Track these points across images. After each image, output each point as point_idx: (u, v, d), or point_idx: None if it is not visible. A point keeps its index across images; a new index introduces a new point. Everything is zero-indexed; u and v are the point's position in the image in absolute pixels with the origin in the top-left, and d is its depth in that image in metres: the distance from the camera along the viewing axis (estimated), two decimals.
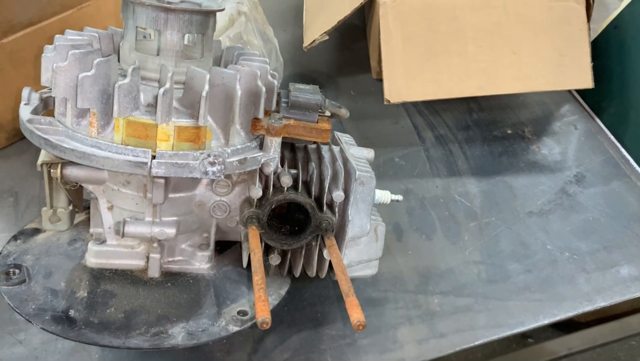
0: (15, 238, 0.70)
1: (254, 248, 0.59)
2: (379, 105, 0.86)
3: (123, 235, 0.62)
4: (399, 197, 0.72)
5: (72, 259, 0.66)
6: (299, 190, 0.65)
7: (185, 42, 0.62)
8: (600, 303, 0.77)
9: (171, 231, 0.62)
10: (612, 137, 0.94)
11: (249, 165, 0.61)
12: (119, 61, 0.62)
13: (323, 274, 0.69)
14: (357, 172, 0.64)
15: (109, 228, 0.64)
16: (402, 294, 0.77)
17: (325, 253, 0.65)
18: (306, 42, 0.91)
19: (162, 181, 0.60)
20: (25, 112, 0.60)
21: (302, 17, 1.01)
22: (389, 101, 0.84)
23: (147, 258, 0.64)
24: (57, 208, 0.69)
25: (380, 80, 0.85)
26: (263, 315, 0.50)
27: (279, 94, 0.67)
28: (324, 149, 0.69)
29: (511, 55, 0.85)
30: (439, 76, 0.84)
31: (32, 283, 0.63)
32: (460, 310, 0.76)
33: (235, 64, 0.64)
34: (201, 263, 0.67)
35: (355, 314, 0.52)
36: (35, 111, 0.61)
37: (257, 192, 0.63)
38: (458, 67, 0.84)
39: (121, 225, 0.61)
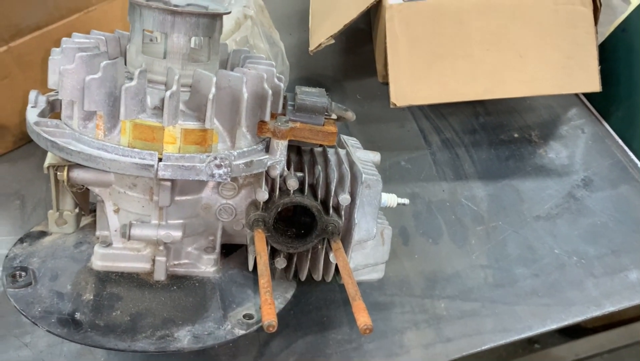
0: (21, 240, 0.70)
1: (260, 251, 0.59)
2: (385, 109, 0.85)
3: (129, 238, 0.61)
4: (406, 200, 0.72)
5: (78, 262, 0.66)
6: (305, 193, 0.65)
7: (192, 45, 0.62)
8: (609, 307, 0.76)
9: (177, 234, 0.62)
10: (619, 141, 0.94)
11: (255, 168, 0.61)
12: (125, 64, 0.62)
13: (329, 278, 0.69)
14: (364, 175, 0.64)
15: (115, 230, 0.64)
16: (409, 299, 0.77)
17: (331, 256, 0.65)
18: (312, 46, 0.91)
19: (169, 183, 0.60)
20: (32, 115, 0.60)
21: (308, 21, 1.01)
22: (395, 105, 0.83)
23: (153, 261, 0.64)
24: (64, 211, 0.69)
25: (386, 84, 0.85)
26: (269, 318, 0.49)
27: (285, 97, 0.67)
28: (330, 152, 0.69)
29: (518, 59, 0.84)
30: (445, 79, 0.84)
31: (38, 285, 0.63)
32: (467, 315, 0.75)
33: (242, 67, 0.64)
34: (207, 266, 0.67)
35: (362, 318, 0.51)
36: (42, 114, 0.62)
37: (263, 195, 0.63)
38: (464, 71, 0.84)
39: (127, 228, 0.61)
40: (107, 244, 0.65)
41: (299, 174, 0.66)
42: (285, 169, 0.65)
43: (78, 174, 0.62)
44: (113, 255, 0.64)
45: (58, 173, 0.62)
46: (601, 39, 0.92)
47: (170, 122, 0.56)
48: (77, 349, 0.68)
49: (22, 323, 0.70)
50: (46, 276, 0.64)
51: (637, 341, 1.21)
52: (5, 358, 0.67)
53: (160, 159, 0.56)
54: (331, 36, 0.88)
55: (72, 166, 0.62)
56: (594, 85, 0.84)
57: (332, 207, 0.65)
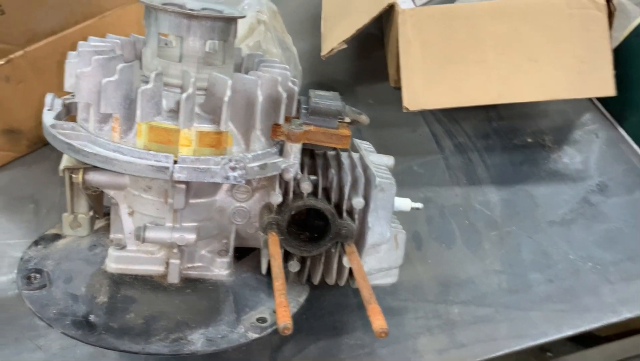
0: (36, 243, 0.70)
1: (274, 254, 0.59)
2: (397, 113, 0.85)
3: (143, 240, 0.62)
4: (419, 205, 0.71)
5: (92, 265, 0.66)
6: (319, 196, 0.65)
7: (207, 49, 0.62)
8: (626, 314, 0.75)
9: (191, 236, 0.62)
10: (634, 145, 0.93)
11: (270, 171, 0.61)
12: (140, 67, 0.63)
13: (342, 282, 0.69)
14: (378, 179, 0.64)
15: (130, 233, 0.64)
16: (422, 304, 0.76)
17: (344, 260, 0.65)
18: (324, 51, 0.91)
19: (184, 186, 0.60)
20: (48, 118, 0.60)
21: (320, 27, 1.01)
22: (407, 109, 0.83)
23: (167, 263, 0.64)
24: (78, 214, 0.69)
25: (398, 88, 0.85)
26: (285, 321, 0.49)
27: (298, 101, 0.67)
28: (344, 156, 0.69)
29: (531, 63, 0.84)
30: (458, 83, 0.84)
31: (52, 287, 0.63)
32: (481, 320, 0.75)
33: (256, 70, 0.64)
34: (220, 270, 0.67)
35: (378, 321, 0.51)
36: (58, 117, 0.62)
37: (277, 198, 0.63)
38: (477, 75, 0.84)
39: (142, 230, 0.62)
40: (121, 246, 0.65)
41: (313, 177, 0.66)
42: (299, 172, 0.65)
43: (93, 177, 0.62)
44: (127, 258, 0.65)
45: (73, 176, 0.63)
46: (615, 43, 0.91)
47: (186, 125, 0.56)
48: (90, 352, 0.68)
49: (35, 326, 0.70)
50: (61, 278, 0.64)
51: None
52: (19, 360, 0.67)
53: (175, 162, 0.56)
54: (343, 41, 0.88)
55: (88, 168, 0.62)
56: (609, 89, 0.84)
57: (346, 211, 0.65)
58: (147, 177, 0.60)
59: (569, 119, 0.97)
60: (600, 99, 0.98)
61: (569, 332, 0.74)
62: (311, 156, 0.71)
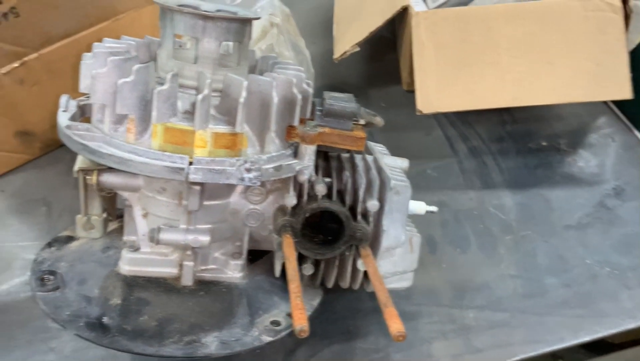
0: (49, 245, 0.70)
1: (288, 256, 0.59)
2: (410, 116, 0.85)
3: (158, 242, 0.61)
4: (434, 208, 0.71)
5: (106, 267, 0.66)
6: (333, 199, 0.64)
7: (221, 51, 0.62)
8: None
9: (205, 238, 0.62)
10: None
11: (284, 172, 0.60)
12: (155, 69, 0.63)
13: (357, 286, 0.68)
14: (392, 181, 0.63)
15: (143, 235, 0.64)
16: (437, 308, 0.75)
17: (359, 263, 0.64)
18: (337, 54, 0.91)
19: (198, 187, 0.60)
20: (63, 119, 0.60)
21: (331, 31, 1.01)
22: (421, 112, 0.83)
23: (181, 266, 0.64)
24: (91, 216, 0.69)
25: (411, 92, 0.85)
26: (301, 323, 0.49)
27: (313, 103, 0.66)
28: (357, 158, 0.69)
29: (546, 66, 0.83)
30: (473, 86, 0.83)
31: (66, 289, 0.62)
32: (496, 325, 0.74)
33: (271, 72, 0.64)
34: (234, 272, 0.67)
35: (395, 324, 0.50)
36: (72, 118, 0.62)
37: (291, 200, 0.62)
38: (492, 78, 0.83)
39: (156, 232, 0.61)
40: (135, 248, 0.64)
41: (327, 179, 0.66)
42: (313, 174, 0.64)
43: (107, 178, 0.62)
44: (141, 260, 0.64)
45: (87, 177, 0.62)
46: (631, 46, 0.90)
47: (201, 126, 0.56)
48: (102, 354, 0.68)
49: (47, 328, 0.70)
50: (74, 280, 0.64)
51: None
52: None
53: (190, 163, 0.56)
54: (356, 44, 0.88)
55: (102, 170, 0.62)
56: (625, 92, 0.83)
57: (360, 213, 0.64)
58: (162, 178, 0.60)
59: (584, 122, 0.96)
60: (615, 102, 0.97)
61: (586, 338, 0.73)
62: (325, 158, 0.70)
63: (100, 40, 0.63)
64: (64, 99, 0.63)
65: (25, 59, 0.81)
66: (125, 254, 0.64)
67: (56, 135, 0.89)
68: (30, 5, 0.77)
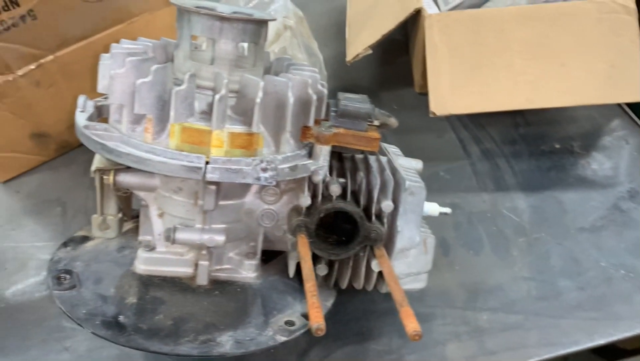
0: (65, 244, 0.71)
1: (304, 256, 0.59)
2: (422, 119, 0.85)
3: (173, 242, 0.62)
4: (448, 210, 0.71)
5: (121, 266, 0.66)
6: (348, 199, 0.64)
7: (237, 52, 0.63)
8: None
9: (220, 238, 0.62)
10: None
11: (300, 172, 0.60)
12: (172, 70, 0.63)
13: (370, 287, 0.68)
14: (407, 182, 0.63)
15: (159, 234, 0.64)
16: (450, 310, 0.75)
17: (373, 264, 0.64)
18: (349, 56, 0.91)
19: (214, 187, 0.60)
20: (81, 119, 0.61)
21: (344, 33, 1.01)
22: (434, 114, 0.83)
23: (196, 265, 0.64)
24: (107, 216, 0.70)
25: (423, 94, 0.85)
26: (317, 321, 0.49)
27: (327, 104, 0.67)
28: (372, 159, 0.69)
29: (559, 68, 0.83)
30: (486, 88, 0.83)
31: (82, 288, 0.63)
32: (510, 327, 0.74)
33: (286, 73, 0.64)
34: (248, 272, 0.67)
35: (411, 324, 0.50)
36: (89, 118, 0.62)
37: (306, 200, 0.63)
38: (505, 80, 0.83)
39: (172, 232, 0.62)
40: (151, 248, 0.65)
41: (341, 180, 0.66)
42: (328, 175, 0.65)
43: (124, 178, 0.63)
44: (156, 259, 0.65)
45: (104, 177, 0.63)
46: None
47: (218, 126, 0.56)
48: (117, 354, 0.69)
49: (62, 328, 0.70)
50: (90, 279, 0.64)
51: None
52: None
53: (207, 163, 0.56)
54: (369, 46, 0.88)
55: (119, 169, 0.62)
56: (639, 94, 0.83)
57: (375, 214, 0.64)
58: (178, 178, 0.60)
59: (598, 124, 0.96)
60: (629, 105, 0.97)
61: (601, 341, 0.73)
62: (339, 159, 0.70)
63: (115, 43, 0.64)
64: (81, 99, 0.64)
65: (42, 61, 0.82)
66: (141, 253, 0.65)
67: (71, 137, 0.91)
68: (48, 7, 0.78)
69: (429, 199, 0.70)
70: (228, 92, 0.57)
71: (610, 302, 0.76)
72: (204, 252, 0.64)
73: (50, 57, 0.83)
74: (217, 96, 0.55)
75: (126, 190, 0.66)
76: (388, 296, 0.71)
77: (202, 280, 0.64)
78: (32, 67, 0.82)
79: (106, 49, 0.61)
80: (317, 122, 0.64)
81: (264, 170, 0.56)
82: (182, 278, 0.65)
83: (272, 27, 0.87)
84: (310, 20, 1.02)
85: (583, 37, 0.83)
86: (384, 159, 0.69)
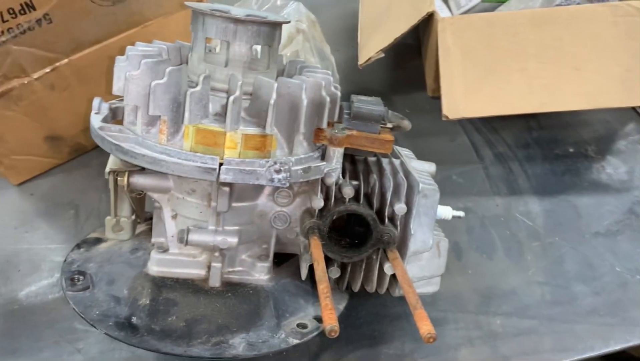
0: (78, 246, 0.71)
1: (317, 258, 0.58)
2: (435, 122, 0.85)
3: (187, 243, 0.62)
4: (461, 213, 0.70)
5: (134, 268, 0.66)
6: (361, 202, 0.64)
7: (252, 55, 0.63)
8: None
9: (233, 240, 0.62)
10: None
11: (313, 174, 0.60)
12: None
13: (383, 290, 0.68)
14: (421, 185, 0.63)
15: (172, 236, 0.64)
16: (463, 315, 0.75)
17: (386, 267, 0.64)
18: (361, 60, 0.91)
19: (227, 189, 0.60)
20: (96, 120, 0.61)
21: (355, 38, 1.01)
22: (447, 117, 0.82)
23: (209, 267, 0.64)
24: (121, 218, 0.70)
25: (436, 98, 0.85)
26: (331, 323, 0.48)
27: (340, 106, 0.67)
28: (385, 162, 0.68)
29: (574, 72, 0.83)
30: (499, 92, 0.83)
31: (95, 289, 0.63)
32: (524, 332, 0.73)
33: (299, 75, 0.64)
34: (260, 274, 0.67)
35: (425, 326, 0.50)
36: (104, 120, 0.63)
37: (318, 202, 0.63)
38: (519, 84, 0.83)
39: (185, 233, 0.62)
40: (164, 250, 0.65)
41: (354, 182, 0.66)
42: (341, 177, 0.64)
43: (138, 180, 0.63)
44: (169, 261, 0.65)
45: (119, 178, 0.63)
46: None
47: (232, 128, 0.56)
48: (128, 356, 0.69)
49: (75, 329, 0.71)
50: (103, 280, 0.64)
51: None
52: None
53: (221, 164, 0.56)
54: (381, 50, 0.88)
55: (133, 171, 0.63)
56: None
57: (388, 217, 0.64)
58: (192, 179, 0.60)
59: (612, 128, 0.95)
60: None
61: (617, 347, 0.72)
62: (352, 161, 0.70)
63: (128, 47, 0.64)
64: (96, 101, 0.64)
65: (57, 64, 0.83)
66: (154, 255, 0.65)
67: (84, 140, 0.92)
68: (63, 11, 0.79)
69: (442, 202, 0.69)
70: (242, 93, 0.57)
71: (626, 307, 0.75)
72: (216, 254, 0.64)
73: (65, 60, 0.83)
74: (231, 98, 0.55)
75: (140, 192, 0.66)
76: (400, 299, 0.71)
77: (215, 282, 0.64)
78: (47, 70, 0.82)
79: (121, 53, 0.62)
80: (330, 124, 0.64)
81: (278, 171, 0.56)
82: (194, 279, 0.65)
83: (284, 31, 0.87)
84: (322, 24, 1.02)
85: (598, 41, 0.82)
86: (396, 161, 0.69)
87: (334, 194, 0.63)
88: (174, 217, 0.64)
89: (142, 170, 0.63)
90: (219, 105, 0.59)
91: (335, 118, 0.65)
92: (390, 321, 0.74)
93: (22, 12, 0.76)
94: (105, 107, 0.64)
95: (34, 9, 0.76)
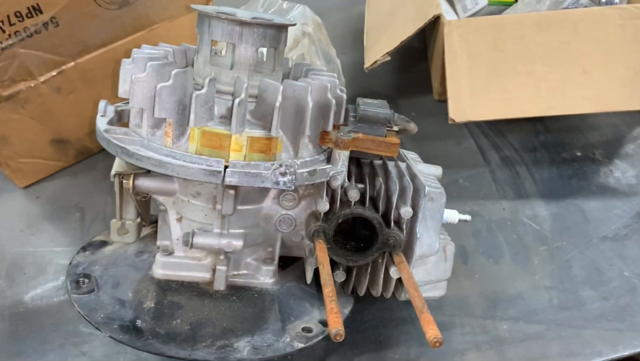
0: (84, 249, 0.71)
1: (322, 261, 0.58)
2: (441, 126, 0.84)
3: (192, 246, 0.62)
4: (467, 217, 0.70)
5: (139, 271, 0.66)
6: (366, 205, 0.64)
7: (257, 57, 0.63)
8: None
9: (238, 243, 0.62)
10: None
11: (318, 177, 0.60)
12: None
13: (388, 294, 0.67)
14: (427, 188, 0.63)
15: (177, 239, 0.64)
16: (469, 319, 0.74)
17: (392, 270, 0.63)
18: (367, 63, 0.91)
19: (233, 192, 0.60)
20: (102, 123, 0.61)
21: (361, 41, 1.01)
22: (453, 120, 0.82)
23: (214, 270, 0.64)
24: (126, 220, 0.70)
25: (442, 101, 0.84)
26: (336, 327, 0.48)
27: (346, 109, 0.66)
28: (391, 165, 0.68)
29: (582, 75, 0.82)
30: (506, 95, 0.82)
31: (100, 292, 0.63)
32: (530, 337, 0.72)
33: (305, 78, 0.64)
34: (265, 278, 0.66)
35: (431, 330, 0.49)
36: (110, 123, 0.63)
37: (324, 205, 0.62)
38: (526, 87, 0.82)
39: (190, 236, 0.62)
40: (169, 253, 0.65)
41: (360, 185, 0.65)
42: (346, 180, 0.64)
43: (143, 183, 0.63)
44: (174, 264, 0.65)
45: (124, 181, 0.63)
46: None
47: (237, 130, 0.56)
48: (133, 359, 0.68)
49: (80, 332, 0.70)
50: (108, 283, 0.64)
51: None
52: None
53: (226, 167, 0.56)
54: (387, 53, 0.87)
55: (138, 174, 0.63)
56: None
57: (393, 220, 0.64)
58: (197, 182, 0.60)
59: (620, 132, 0.95)
60: None
61: (625, 352, 0.71)
62: (357, 164, 0.70)
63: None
64: (102, 104, 0.64)
65: (63, 67, 0.83)
66: (159, 258, 0.65)
67: (90, 143, 0.92)
68: (70, 15, 0.79)
69: (448, 206, 0.69)
70: (247, 96, 0.57)
71: (634, 312, 0.74)
72: (221, 257, 0.64)
73: (72, 63, 0.84)
74: (236, 100, 0.55)
75: (145, 194, 0.66)
76: (406, 304, 0.70)
77: (220, 285, 0.64)
78: (54, 73, 0.83)
79: (127, 56, 0.62)
80: (335, 127, 0.64)
81: (283, 174, 0.56)
82: (199, 283, 0.64)
83: (290, 34, 0.87)
84: (328, 27, 1.02)
85: (605, 44, 0.82)
86: (402, 164, 0.68)
87: (339, 197, 0.63)
88: (179, 220, 0.64)
89: (147, 173, 0.63)
90: (224, 108, 0.59)
91: (341, 121, 0.65)
92: (396, 325, 0.73)
93: (29, 15, 0.76)
94: (111, 110, 0.64)
95: (41, 13, 0.77)
